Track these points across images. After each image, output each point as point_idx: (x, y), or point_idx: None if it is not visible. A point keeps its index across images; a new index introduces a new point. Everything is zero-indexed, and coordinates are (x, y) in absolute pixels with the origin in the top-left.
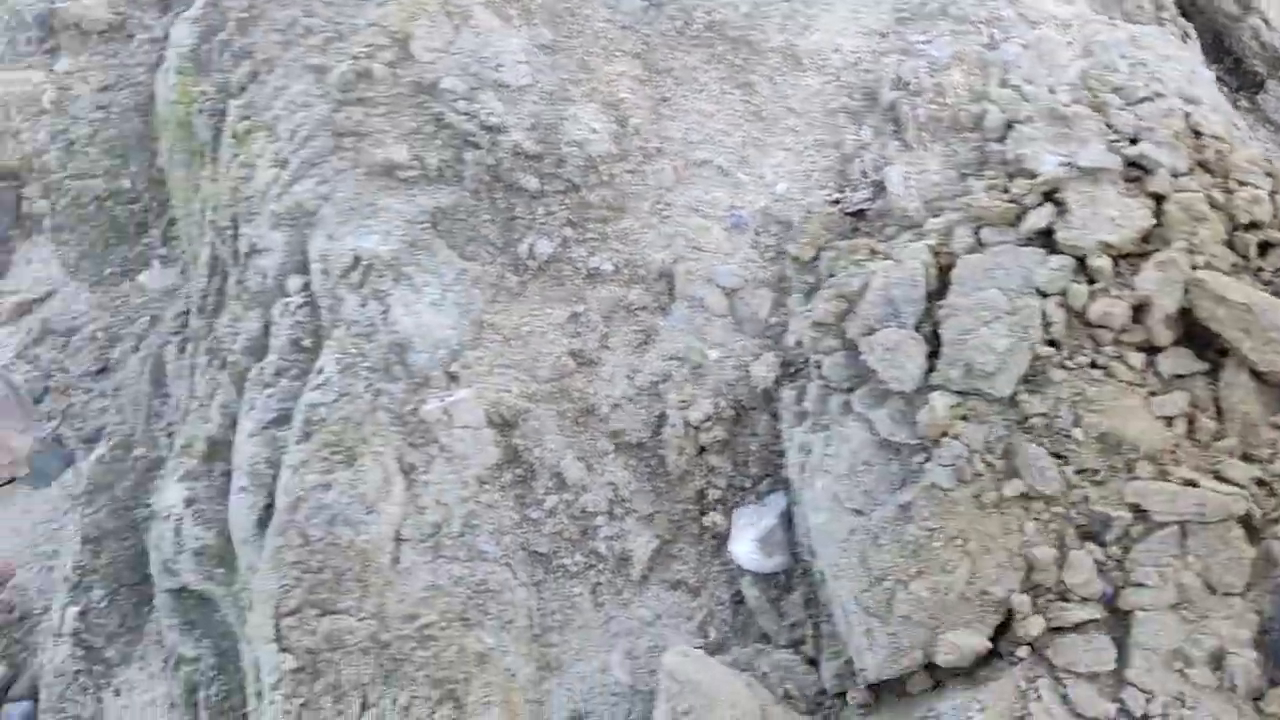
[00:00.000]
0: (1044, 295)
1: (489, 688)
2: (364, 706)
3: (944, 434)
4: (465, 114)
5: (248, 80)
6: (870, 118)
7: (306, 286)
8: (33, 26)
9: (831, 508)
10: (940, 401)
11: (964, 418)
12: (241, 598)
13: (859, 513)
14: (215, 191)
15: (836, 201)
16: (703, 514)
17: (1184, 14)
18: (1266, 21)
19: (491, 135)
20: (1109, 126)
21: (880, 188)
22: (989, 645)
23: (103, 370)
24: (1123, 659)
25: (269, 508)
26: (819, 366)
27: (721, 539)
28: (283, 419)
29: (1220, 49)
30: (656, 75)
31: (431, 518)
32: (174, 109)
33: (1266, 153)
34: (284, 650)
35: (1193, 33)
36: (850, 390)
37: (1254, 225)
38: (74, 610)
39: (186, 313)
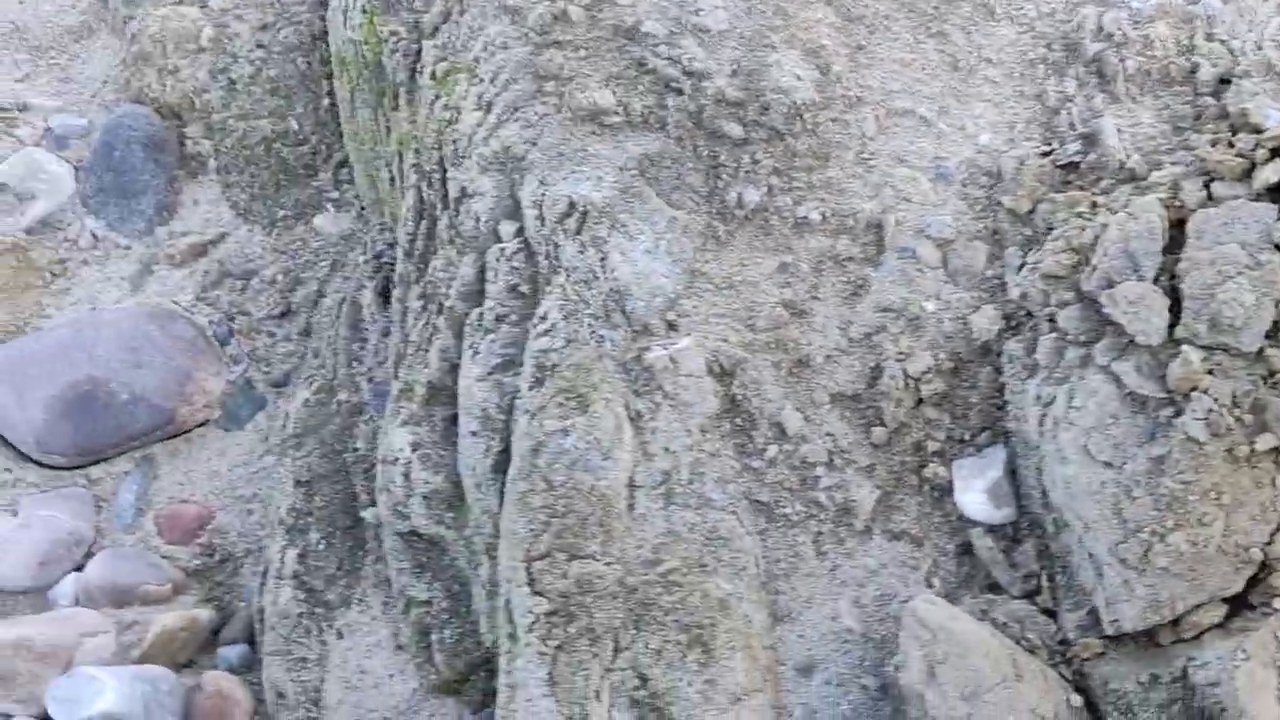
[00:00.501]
0: None
1: (732, 633)
2: (616, 650)
3: (1194, 388)
4: (667, 59)
5: (440, 20)
6: (1073, 69)
7: (520, 232)
8: None
9: (1081, 460)
10: (1194, 354)
11: (1210, 372)
12: (474, 541)
13: (1110, 465)
14: (415, 134)
15: (1047, 153)
16: (921, 466)
17: None
18: None
19: (694, 81)
20: None
21: (1091, 140)
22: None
23: (285, 314)
24: None
25: (503, 452)
26: (1052, 319)
27: (942, 490)
28: (508, 364)
29: None
30: (850, 23)
31: (661, 465)
32: (358, 49)
33: None
34: (537, 594)
35: None
36: (1090, 343)
37: None
38: (293, 553)
39: (378, 257)
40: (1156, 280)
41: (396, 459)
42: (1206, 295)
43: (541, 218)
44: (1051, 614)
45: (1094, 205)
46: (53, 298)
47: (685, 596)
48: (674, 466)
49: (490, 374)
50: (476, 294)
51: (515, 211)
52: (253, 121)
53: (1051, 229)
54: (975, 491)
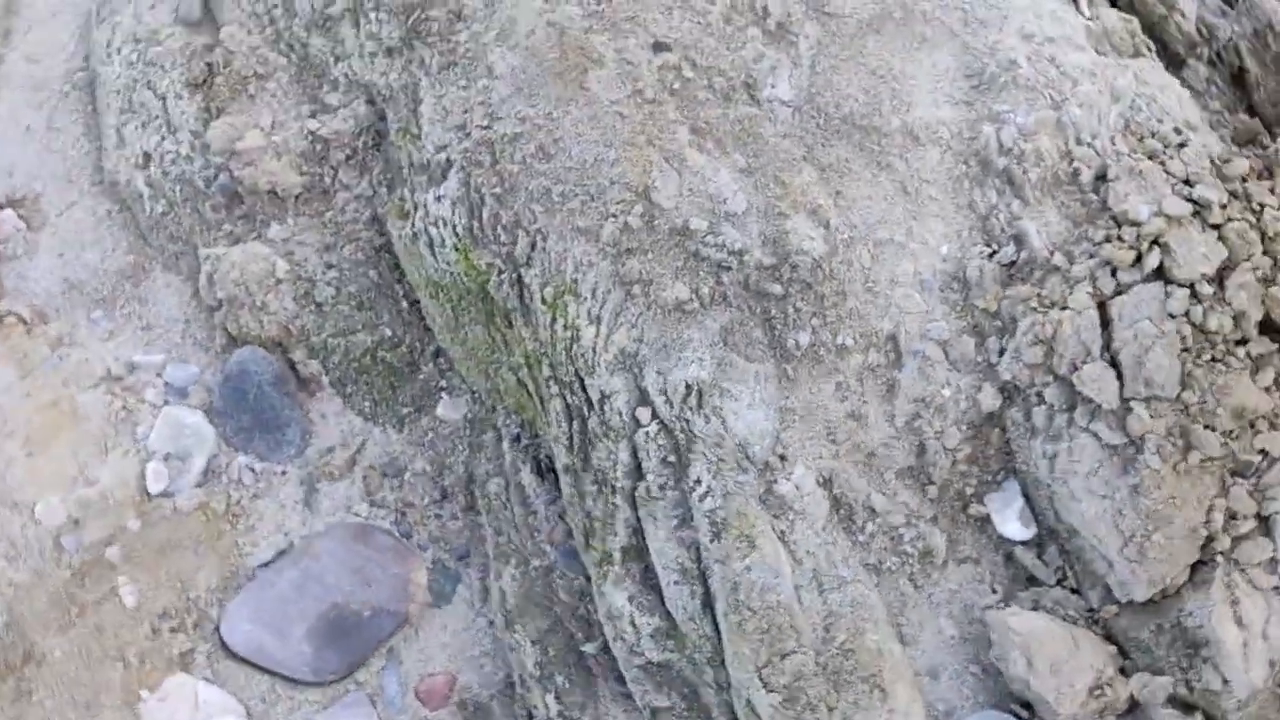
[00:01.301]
0: (1174, 318)
1: (892, 669)
2: (829, 711)
3: (1147, 432)
4: (714, 246)
5: (529, 250)
6: (990, 180)
7: (654, 414)
8: (215, 195)
9: (1086, 497)
10: (1142, 411)
11: (1151, 417)
12: (696, 658)
13: (1105, 497)
14: (544, 351)
15: (992, 254)
16: (965, 508)
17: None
18: (1184, 14)
19: (738, 258)
20: (1169, 174)
21: (1019, 240)
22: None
23: (444, 497)
24: (1275, 548)
25: (705, 592)
26: (1040, 396)
27: (983, 521)
28: (682, 521)
29: (1151, 35)
30: (825, 172)
31: (808, 566)
32: (456, 278)
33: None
34: (770, 691)
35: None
36: (1070, 410)
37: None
38: (550, 698)
39: (517, 440)
40: (1102, 355)
41: (620, 613)
42: (1136, 364)
43: (669, 401)
44: (1077, 592)
45: (1039, 298)
46: (245, 535)
47: (858, 656)
48: (815, 564)
49: (674, 532)
50: (636, 471)
51: (645, 398)
52: (350, 337)
53: (1015, 319)
54: (1012, 520)
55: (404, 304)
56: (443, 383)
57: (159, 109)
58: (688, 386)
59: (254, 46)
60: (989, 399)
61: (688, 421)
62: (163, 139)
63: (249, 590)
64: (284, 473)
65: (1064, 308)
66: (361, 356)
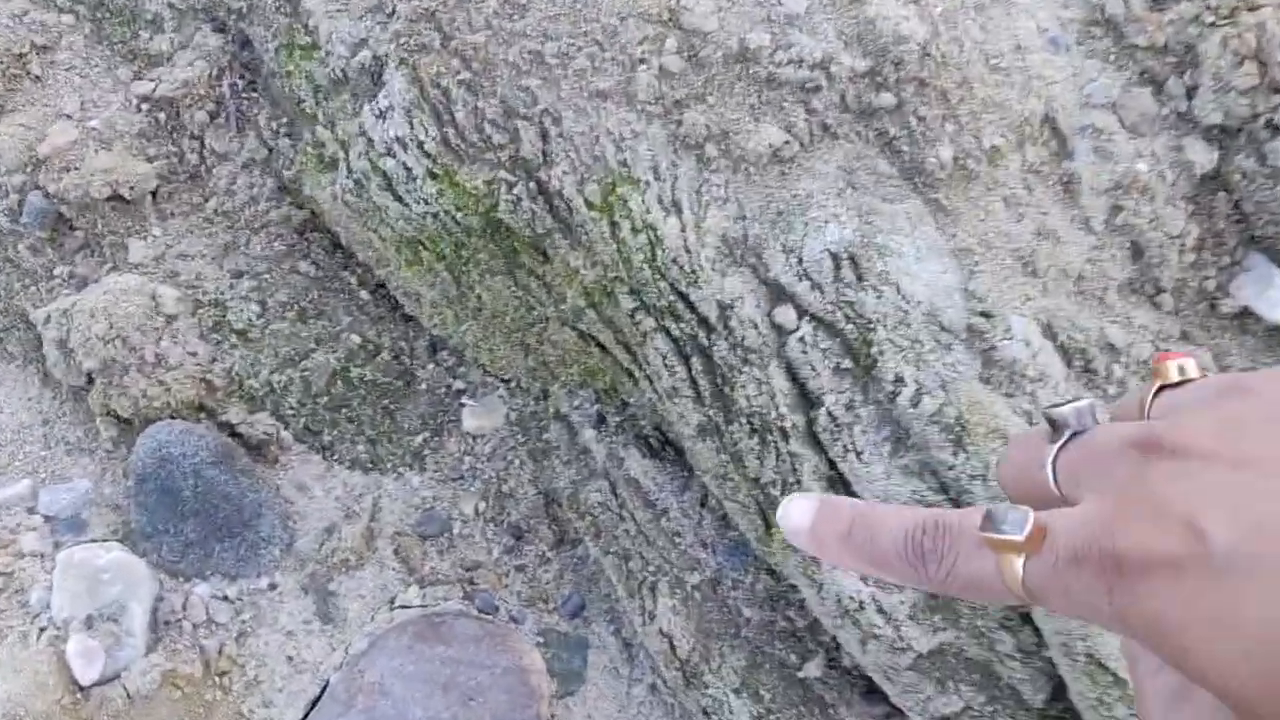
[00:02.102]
0: None
1: None
2: None
3: None
4: (789, 63)
5: (540, 141)
6: None
7: (801, 310)
8: (30, 228)
9: None
10: None
11: None
12: (980, 627)
13: None
14: (614, 275)
15: None
16: (1213, 308)
17: None
18: None
19: (824, 71)
20: None
21: None
22: None
23: (518, 538)
24: None
25: None
26: (1273, 125)
27: (1241, 316)
28: (898, 443)
29: None
30: None
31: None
32: (444, 219)
33: None
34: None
35: None
36: None
37: None
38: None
39: (602, 422)
40: None
41: (857, 602)
42: None
43: (815, 284)
44: None
45: (1211, 8)
46: (250, 698)
47: None
48: None
49: (892, 461)
50: (804, 397)
51: (781, 292)
52: (304, 364)
53: (1192, 46)
54: (1274, 301)
55: (363, 294)
56: (457, 384)
57: None
58: (834, 257)
59: (19, 12)
60: (1201, 155)
61: (850, 304)
62: None
63: None
64: (273, 587)
65: (1253, 7)
66: (329, 387)
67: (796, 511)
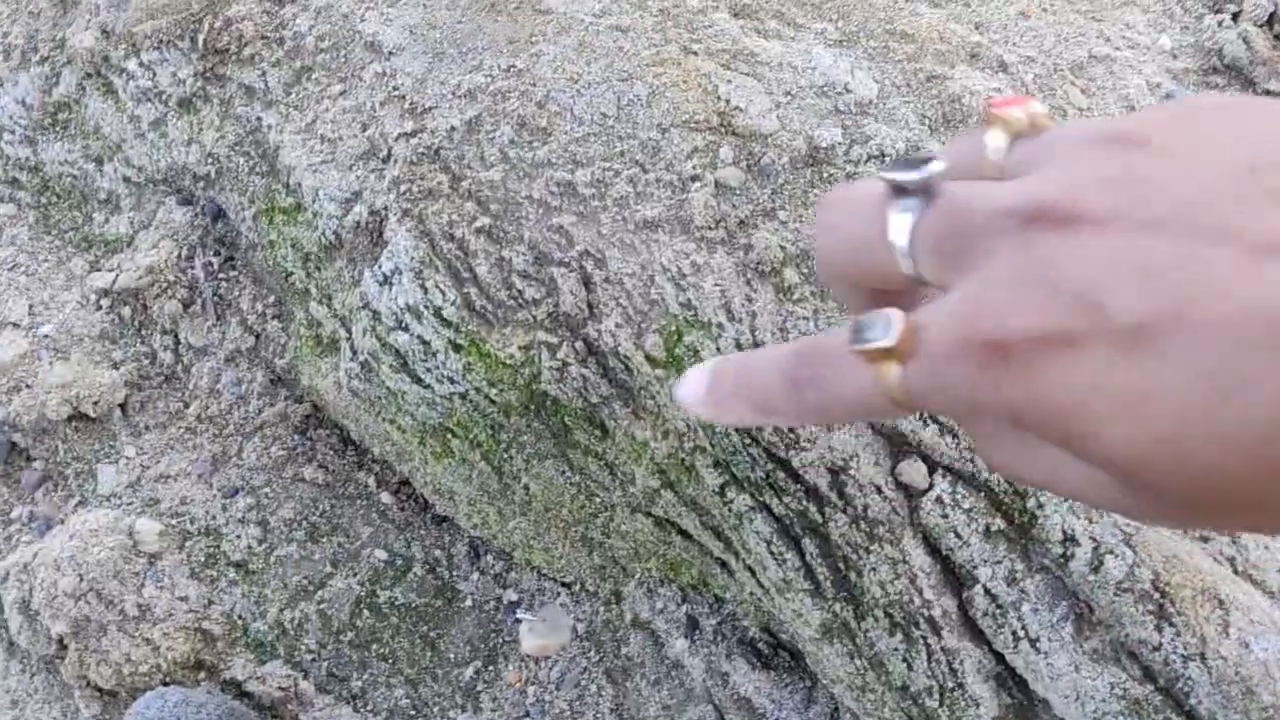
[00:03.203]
0: None
1: None
2: None
3: None
4: (871, 159)
5: (583, 290)
6: None
7: (933, 462)
8: None
9: None
10: None
11: None
12: None
13: None
14: (682, 446)
15: (1235, 16)
16: None
17: None
18: None
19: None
20: None
21: None
22: None
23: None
24: None
25: None
26: None
27: None
28: (1081, 624)
29: None
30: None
31: None
32: (476, 399)
33: None
34: None
35: None
36: None
37: None
38: None
39: (692, 626)
40: None
41: None
42: None
43: (943, 426)
44: None
45: None
46: None
47: None
48: None
49: (1078, 650)
50: (951, 575)
51: (904, 444)
52: (320, 594)
53: None
54: None
55: (384, 498)
56: (509, 595)
57: None
58: None
59: None
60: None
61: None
62: None
63: None
64: None
65: None
66: (353, 619)
67: (692, 380)
